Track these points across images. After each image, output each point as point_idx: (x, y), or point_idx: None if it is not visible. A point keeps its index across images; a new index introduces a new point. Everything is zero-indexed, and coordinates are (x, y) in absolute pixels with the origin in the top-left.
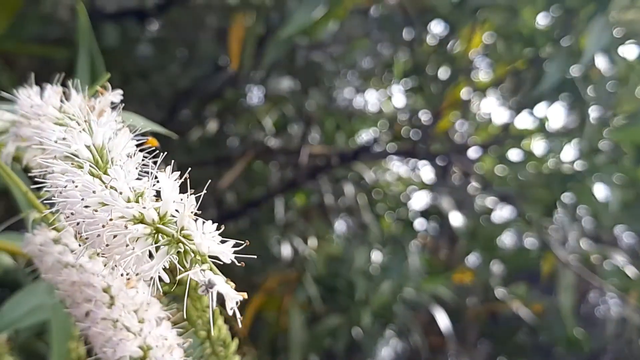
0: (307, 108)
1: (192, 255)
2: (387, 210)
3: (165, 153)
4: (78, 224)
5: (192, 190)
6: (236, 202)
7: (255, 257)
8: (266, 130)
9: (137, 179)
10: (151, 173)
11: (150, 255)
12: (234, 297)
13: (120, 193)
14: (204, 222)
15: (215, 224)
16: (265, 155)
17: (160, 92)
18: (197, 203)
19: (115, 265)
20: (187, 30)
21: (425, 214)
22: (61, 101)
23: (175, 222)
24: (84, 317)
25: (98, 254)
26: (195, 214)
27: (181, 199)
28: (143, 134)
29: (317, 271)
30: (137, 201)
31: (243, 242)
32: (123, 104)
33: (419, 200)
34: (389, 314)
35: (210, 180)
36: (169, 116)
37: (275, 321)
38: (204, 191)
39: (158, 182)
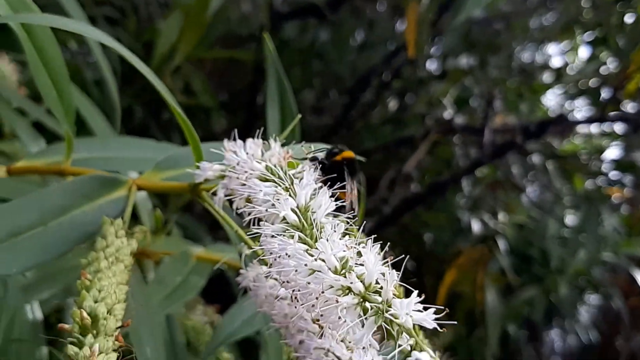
0: (488, 81)
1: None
2: (577, 172)
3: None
4: (293, 290)
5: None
6: (422, 184)
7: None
8: (447, 107)
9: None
10: (353, 240)
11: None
12: None
13: (329, 266)
14: (408, 294)
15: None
16: (448, 134)
17: (341, 77)
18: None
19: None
20: (363, 15)
21: (619, 168)
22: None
23: (379, 291)
24: (298, 346)
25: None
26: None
27: (383, 274)
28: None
29: (509, 243)
30: (342, 273)
31: None
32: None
33: (612, 155)
34: (587, 279)
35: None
36: (352, 100)
37: (471, 295)
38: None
39: (360, 250)
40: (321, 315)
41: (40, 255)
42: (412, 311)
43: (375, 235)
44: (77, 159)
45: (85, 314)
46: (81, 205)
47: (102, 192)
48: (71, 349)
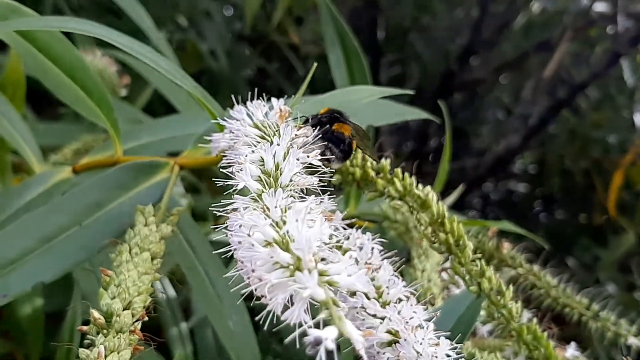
0: None
1: None
2: None
3: None
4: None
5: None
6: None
7: None
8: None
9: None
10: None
11: None
12: None
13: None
14: None
15: None
16: (586, 29)
17: None
18: None
19: None
20: None
21: None
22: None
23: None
24: None
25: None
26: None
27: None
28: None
29: None
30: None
31: None
32: None
33: None
34: None
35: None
36: (482, 13)
37: None
38: None
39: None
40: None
41: (76, 256)
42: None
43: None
44: (131, 148)
45: (97, 314)
46: (117, 198)
47: (139, 180)
48: (82, 353)
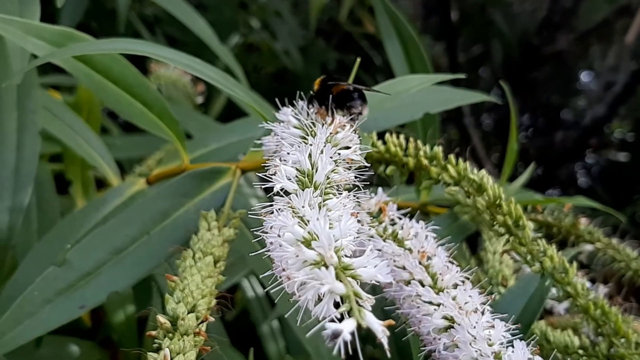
0: None
1: None
2: None
3: None
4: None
5: None
6: None
7: None
8: None
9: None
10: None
11: None
12: None
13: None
14: None
15: None
16: None
17: None
18: None
19: None
20: None
21: None
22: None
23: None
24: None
25: None
26: None
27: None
28: None
29: None
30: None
31: None
32: None
33: None
34: None
35: None
36: None
37: None
38: None
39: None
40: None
41: (146, 265)
42: None
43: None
44: (200, 155)
45: (162, 319)
46: (182, 206)
47: (203, 187)
48: (150, 356)
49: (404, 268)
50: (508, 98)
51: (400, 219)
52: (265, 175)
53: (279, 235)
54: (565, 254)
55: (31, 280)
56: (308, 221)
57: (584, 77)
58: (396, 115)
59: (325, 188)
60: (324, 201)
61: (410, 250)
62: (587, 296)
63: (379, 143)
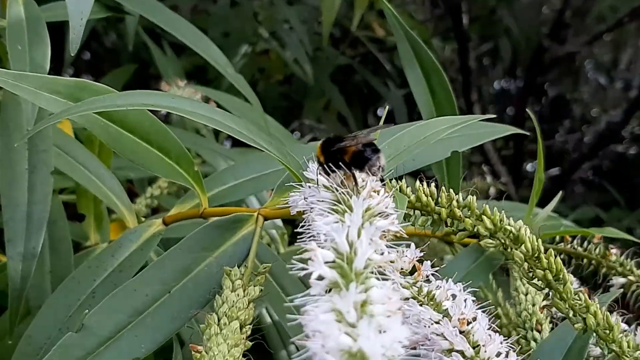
0: None
1: None
2: None
3: None
4: None
5: None
6: None
7: None
8: None
9: None
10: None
11: None
12: None
13: None
14: None
15: None
16: None
17: None
18: None
19: None
20: None
21: None
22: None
23: None
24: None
25: None
26: None
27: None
28: None
29: None
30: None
31: None
32: None
33: None
34: None
35: None
36: None
37: None
38: None
39: None
40: None
41: (168, 328)
42: None
43: None
44: (217, 194)
45: None
46: (203, 260)
47: (224, 238)
48: None
49: (443, 336)
50: (536, 128)
51: (435, 278)
52: (300, 260)
53: (322, 346)
54: (601, 299)
55: (45, 336)
56: (357, 336)
57: (597, 79)
58: (424, 157)
59: (366, 275)
60: (366, 290)
61: (449, 316)
62: (634, 355)
63: (408, 191)
